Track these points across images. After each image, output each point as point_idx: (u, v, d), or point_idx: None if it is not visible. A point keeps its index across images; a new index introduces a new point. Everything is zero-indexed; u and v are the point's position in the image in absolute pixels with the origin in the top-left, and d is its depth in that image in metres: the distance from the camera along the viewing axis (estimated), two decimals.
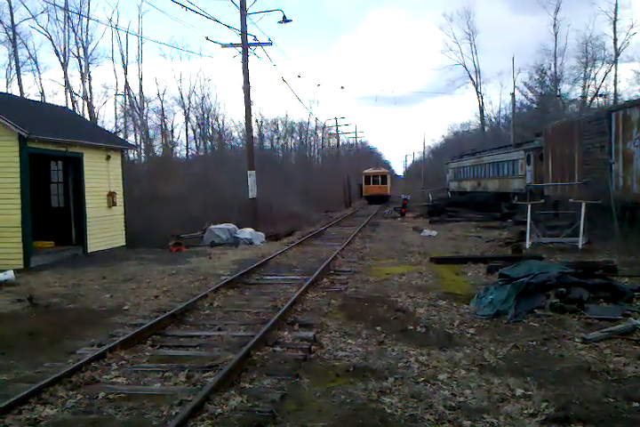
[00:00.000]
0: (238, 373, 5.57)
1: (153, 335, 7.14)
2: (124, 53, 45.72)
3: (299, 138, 68.35)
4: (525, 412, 4.59)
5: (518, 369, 5.63)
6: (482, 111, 61.28)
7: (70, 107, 36.38)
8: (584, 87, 48.07)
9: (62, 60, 38.84)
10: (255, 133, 46.85)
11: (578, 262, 10.80)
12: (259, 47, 22.33)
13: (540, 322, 7.29)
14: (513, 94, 42.64)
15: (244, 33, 21.48)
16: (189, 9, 16.29)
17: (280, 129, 62.52)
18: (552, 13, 51.07)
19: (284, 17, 21.29)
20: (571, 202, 14.77)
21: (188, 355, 6.41)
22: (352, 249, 16.27)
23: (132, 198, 21.14)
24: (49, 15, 43.84)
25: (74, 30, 38.93)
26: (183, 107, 46.91)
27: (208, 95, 69.89)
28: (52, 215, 17.11)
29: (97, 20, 48.04)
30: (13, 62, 38.36)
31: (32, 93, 40.86)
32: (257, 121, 53.66)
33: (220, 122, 53.49)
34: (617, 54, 46.25)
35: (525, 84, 51.01)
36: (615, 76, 46.31)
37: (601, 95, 45.96)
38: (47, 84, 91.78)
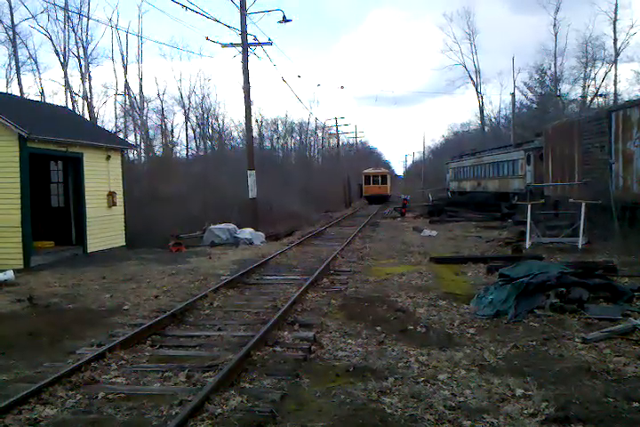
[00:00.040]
0: (238, 373, 5.56)
1: (153, 335, 7.14)
2: (124, 53, 45.81)
3: (299, 138, 68.44)
4: (525, 412, 4.59)
5: (518, 369, 5.63)
6: (482, 111, 61.35)
7: (70, 107, 36.39)
8: (584, 87, 48.14)
9: (62, 60, 38.89)
10: (255, 133, 46.87)
11: (578, 262, 10.80)
12: (259, 47, 22.35)
13: (540, 322, 7.29)
14: (513, 94, 42.69)
15: (243, 33, 21.48)
16: (189, 9, 16.32)
17: (280, 129, 62.64)
18: (552, 13, 51.16)
19: (284, 17, 21.30)
20: (571, 202, 14.77)
21: (188, 355, 6.41)
22: (352, 249, 16.27)
23: (131, 198, 21.14)
24: (49, 15, 43.74)
25: (74, 30, 38.98)
26: (183, 107, 46.98)
27: (208, 95, 69.90)
28: (52, 215, 17.11)
29: (97, 20, 48.14)
30: (13, 62, 38.44)
31: (32, 93, 40.92)
32: (257, 121, 53.73)
33: (220, 122, 53.57)
34: (617, 54, 46.31)
35: (525, 84, 51.09)
36: (615, 76, 46.39)
37: (601, 95, 46.00)
38: (47, 84, 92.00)
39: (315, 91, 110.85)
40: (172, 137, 47.01)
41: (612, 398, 4.79)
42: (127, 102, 42.57)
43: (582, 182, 17.27)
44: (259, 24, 70.13)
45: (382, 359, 6.06)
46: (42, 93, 39.94)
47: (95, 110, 40.37)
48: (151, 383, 5.49)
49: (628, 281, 9.56)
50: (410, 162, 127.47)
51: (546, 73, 49.68)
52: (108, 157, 17.74)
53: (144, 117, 42.71)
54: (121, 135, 35.67)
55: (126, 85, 42.47)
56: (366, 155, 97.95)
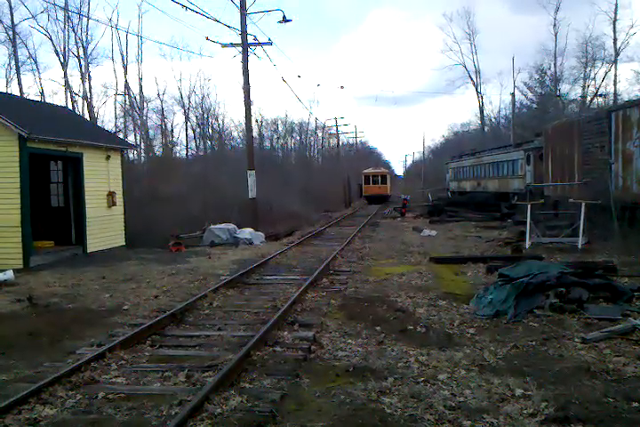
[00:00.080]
0: (238, 373, 5.56)
1: (152, 335, 7.14)
2: (124, 53, 45.83)
3: (299, 138, 68.44)
4: (525, 412, 4.59)
5: (518, 369, 5.63)
6: (482, 111, 61.35)
7: (70, 107, 36.38)
8: (584, 87, 48.14)
9: (62, 60, 38.89)
10: (255, 133, 46.87)
11: (577, 262, 10.80)
12: (259, 47, 22.35)
13: (540, 322, 7.29)
14: (513, 94, 42.69)
15: (243, 33, 21.49)
16: (189, 9, 16.32)
17: (280, 129, 62.63)
18: (552, 13, 51.15)
19: (284, 17, 21.30)
20: (570, 202, 14.77)
21: (188, 355, 6.41)
22: (352, 249, 16.27)
23: (131, 198, 21.14)
24: (49, 15, 43.82)
25: (74, 30, 38.98)
26: (183, 107, 46.97)
27: (208, 95, 69.89)
28: (52, 215, 17.10)
29: (97, 20, 48.16)
30: (13, 62, 38.43)
31: (32, 93, 40.90)
32: (257, 121, 53.71)
33: (220, 122, 53.54)
34: (617, 54, 46.31)
35: (525, 84, 51.09)
36: (615, 76, 46.40)
37: (601, 95, 46.00)
38: (47, 83, 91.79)
39: (315, 91, 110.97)
40: (172, 137, 47.06)
41: (612, 398, 4.80)
42: (127, 102, 42.61)
43: (582, 182, 17.27)
44: (259, 24, 70.19)
45: (382, 359, 6.06)
46: (42, 93, 40.00)
47: (95, 110, 40.42)
48: (151, 383, 5.49)
49: (628, 281, 9.57)
50: (410, 162, 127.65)
51: (546, 73, 49.74)
52: (108, 157, 17.74)
53: (144, 117, 42.75)
54: (121, 135, 35.68)
55: (126, 85, 42.52)
56: (366, 155, 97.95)
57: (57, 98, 61.10)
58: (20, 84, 38.25)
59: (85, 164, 16.62)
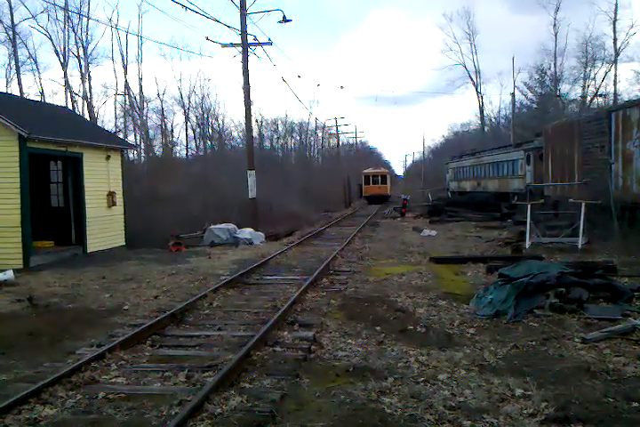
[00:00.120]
0: (238, 373, 5.56)
1: (152, 335, 7.14)
2: (124, 53, 45.82)
3: (299, 138, 68.43)
4: (525, 412, 4.59)
5: (518, 369, 5.63)
6: (482, 111, 61.34)
7: (70, 107, 36.38)
8: (584, 87, 48.13)
9: (62, 60, 38.89)
10: (255, 133, 46.87)
11: (577, 262, 10.80)
12: (259, 47, 22.34)
13: (540, 322, 7.29)
14: (513, 94, 42.69)
15: (243, 33, 21.48)
16: (189, 9, 16.30)
17: (280, 129, 62.62)
18: (552, 13, 51.15)
19: (284, 17, 21.30)
20: (570, 202, 14.77)
21: (188, 355, 6.41)
22: (352, 249, 16.27)
23: (131, 198, 21.14)
24: (49, 15, 43.70)
25: (74, 30, 38.98)
26: (183, 107, 46.96)
27: (208, 95, 69.89)
28: (52, 215, 17.11)
29: (97, 20, 48.17)
30: (13, 62, 38.43)
31: (32, 93, 40.90)
32: (257, 121, 53.70)
33: (220, 122, 53.52)
34: (617, 54, 46.31)
35: (525, 84, 51.07)
36: (615, 76, 46.39)
37: (601, 95, 45.99)
38: (47, 83, 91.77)
39: (315, 91, 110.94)
40: (172, 137, 47.06)
41: (612, 398, 4.80)
42: (127, 102, 42.61)
43: (582, 182, 17.28)
44: (259, 24, 70.18)
45: (382, 359, 6.06)
46: (42, 93, 39.99)
47: (95, 110, 40.42)
48: (151, 383, 5.49)
49: (628, 281, 9.57)
50: (410, 162, 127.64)
51: (546, 73, 49.73)
52: (108, 157, 17.74)
53: (144, 117, 42.75)
54: (121, 135, 35.67)
55: (126, 85, 42.52)
56: (366, 155, 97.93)
57: (57, 98, 61.18)
58: (19, 84, 38.31)
59: (85, 164, 16.62)
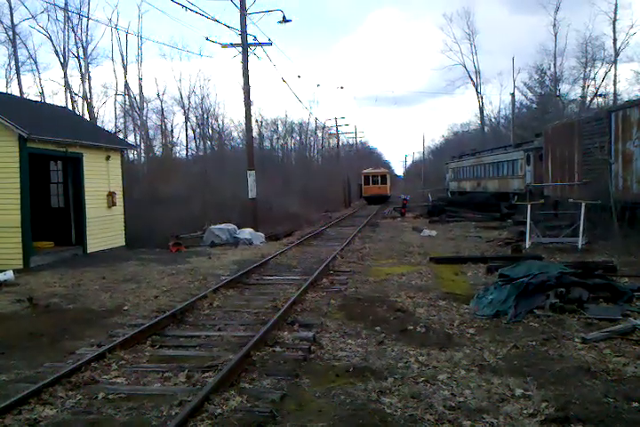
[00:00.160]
0: (238, 373, 5.57)
1: (153, 335, 7.14)
2: (124, 53, 45.81)
3: (298, 138, 68.37)
4: (525, 412, 4.60)
5: (518, 369, 5.63)
6: (482, 111, 61.30)
7: (70, 107, 36.38)
8: (584, 87, 48.09)
9: (62, 60, 38.86)
10: (255, 133, 46.84)
11: (577, 262, 10.81)
12: (259, 47, 22.35)
13: (540, 322, 7.30)
14: (513, 94, 42.68)
15: (243, 33, 21.49)
16: (189, 9, 16.29)
17: (280, 129, 62.54)
18: (552, 13, 51.10)
19: (284, 17, 21.31)
20: (570, 202, 14.79)
21: (188, 355, 6.41)
22: (352, 249, 16.27)
23: (131, 198, 21.14)
24: (49, 15, 43.61)
25: (74, 30, 38.95)
26: (183, 107, 46.91)
27: (208, 95, 69.88)
28: (52, 215, 17.11)
29: (97, 20, 48.15)
30: (13, 62, 38.39)
31: (32, 93, 40.89)
32: (257, 121, 53.65)
33: (220, 122, 53.49)
34: (617, 54, 46.26)
35: (525, 84, 51.03)
36: (615, 76, 46.34)
37: (601, 95, 45.95)
38: (47, 84, 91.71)
39: (314, 91, 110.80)
40: (172, 137, 47.03)
41: (612, 398, 4.80)
42: (127, 102, 42.60)
43: (582, 182, 17.28)
44: (259, 24, 70.07)
45: (382, 359, 6.06)
46: (42, 93, 39.96)
47: (95, 110, 40.39)
48: (151, 384, 5.49)
49: (628, 281, 9.58)
50: (410, 162, 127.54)
51: (546, 73, 49.70)
52: (108, 158, 17.74)
53: (144, 117, 42.72)
54: (121, 135, 35.58)
55: (126, 86, 42.49)
56: (366, 155, 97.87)
57: (57, 98, 61.20)
58: (19, 84, 38.27)
59: (85, 164, 16.62)
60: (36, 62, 41.32)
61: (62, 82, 39.42)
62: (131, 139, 39.25)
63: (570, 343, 6.43)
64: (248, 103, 22.44)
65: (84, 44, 39.39)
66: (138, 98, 43.10)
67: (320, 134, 73.24)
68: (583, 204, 13.65)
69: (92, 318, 8.42)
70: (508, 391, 5.04)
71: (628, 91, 48.24)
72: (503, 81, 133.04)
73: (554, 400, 4.78)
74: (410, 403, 4.84)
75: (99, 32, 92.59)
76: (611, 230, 14.04)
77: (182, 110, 47.08)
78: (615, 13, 46.22)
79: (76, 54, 39.41)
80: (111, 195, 17.71)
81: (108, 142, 18.45)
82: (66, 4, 38.37)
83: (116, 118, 42.29)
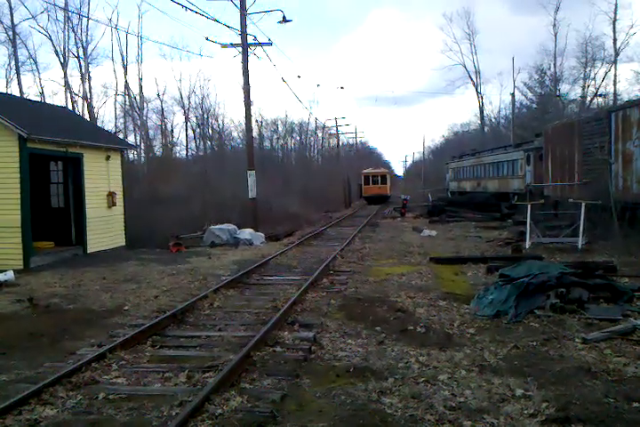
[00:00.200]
0: (238, 373, 5.57)
1: (153, 336, 7.14)
2: (124, 53, 45.85)
3: (298, 138, 68.39)
4: (525, 412, 4.60)
5: (518, 369, 5.63)
6: (482, 111, 61.30)
7: (70, 107, 36.39)
8: (584, 87, 48.12)
9: (62, 60, 38.88)
10: (255, 133, 46.86)
11: (578, 263, 10.81)
12: (259, 47, 22.34)
13: (540, 322, 7.30)
14: (513, 94, 42.67)
15: (243, 33, 21.48)
16: (189, 9, 16.24)
17: (280, 129, 62.57)
18: (552, 13, 51.13)
19: (284, 17, 21.30)
20: (570, 202, 14.78)
21: (189, 355, 6.41)
22: (352, 249, 16.27)
23: (131, 198, 21.14)
24: (49, 15, 43.84)
25: (74, 30, 38.97)
26: (183, 107, 46.94)
27: (208, 95, 70.17)
28: (52, 215, 17.10)
29: (97, 21, 48.11)
30: (13, 62, 38.40)
31: (32, 93, 41.01)
32: (257, 121, 53.70)
33: (220, 122, 53.57)
34: (617, 54, 46.29)
35: (525, 84, 51.03)
36: (615, 76, 46.38)
37: (601, 95, 45.96)
38: (47, 84, 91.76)
39: (314, 91, 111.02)
40: (172, 137, 47.05)
41: (613, 398, 4.80)
42: (127, 102, 42.61)
43: (582, 182, 17.28)
44: (259, 24, 70.18)
45: (382, 360, 6.06)
46: (42, 94, 39.97)
47: (95, 110, 40.41)
48: (152, 384, 5.49)
49: (628, 281, 9.58)
50: (410, 162, 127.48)
51: (546, 73, 49.71)
52: (108, 158, 17.73)
53: (144, 117, 42.74)
54: (121, 135, 35.66)
55: (126, 86, 42.51)
56: (366, 155, 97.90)
57: (57, 98, 61.17)
58: (19, 84, 38.29)
59: (85, 164, 16.62)
60: (36, 62, 41.33)
61: (62, 82, 39.49)
62: (131, 139, 39.32)
63: (570, 344, 6.43)
64: (248, 103, 22.44)
65: (84, 44, 39.46)
66: (138, 98, 43.16)
67: (320, 134, 73.34)
68: (583, 204, 13.65)
69: (93, 319, 8.42)
70: (508, 392, 5.04)
71: (627, 91, 48.33)
72: (503, 81, 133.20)
73: (554, 400, 4.78)
74: (410, 403, 4.84)
75: (99, 32, 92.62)
76: (611, 230, 14.05)
77: (182, 110, 47.17)
78: (615, 13, 46.30)
79: (76, 54, 39.48)
80: (111, 195, 17.71)
81: (108, 142, 18.45)
82: (66, 4, 38.43)
83: (116, 118, 42.36)
